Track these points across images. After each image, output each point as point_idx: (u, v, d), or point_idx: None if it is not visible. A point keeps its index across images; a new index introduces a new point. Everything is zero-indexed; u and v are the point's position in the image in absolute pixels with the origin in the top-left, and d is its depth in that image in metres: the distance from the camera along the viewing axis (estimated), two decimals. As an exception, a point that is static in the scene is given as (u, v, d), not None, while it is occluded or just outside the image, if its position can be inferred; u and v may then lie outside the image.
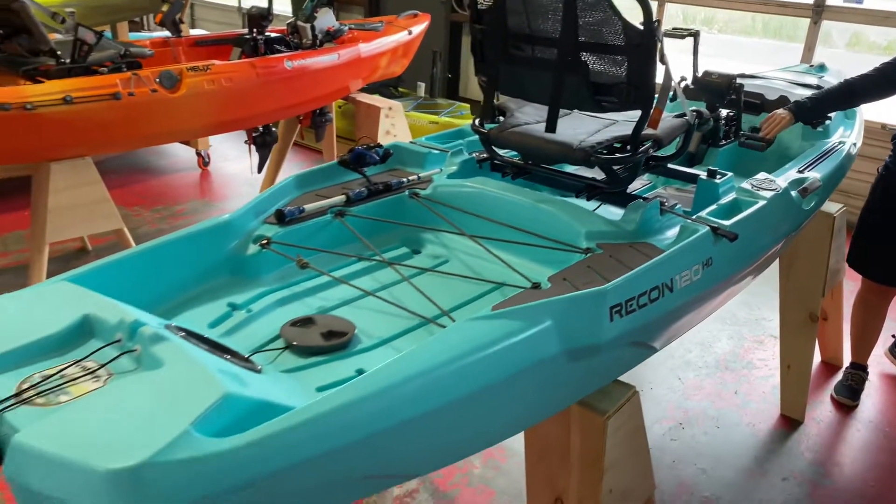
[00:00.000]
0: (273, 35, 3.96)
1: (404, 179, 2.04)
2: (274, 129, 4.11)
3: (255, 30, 3.90)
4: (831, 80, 3.27)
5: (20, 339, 1.18)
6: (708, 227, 1.68)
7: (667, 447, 2.76)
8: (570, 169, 2.19)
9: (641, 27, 1.65)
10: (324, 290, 1.66)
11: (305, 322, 1.50)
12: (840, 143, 2.64)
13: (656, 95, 1.77)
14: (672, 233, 1.77)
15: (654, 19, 1.64)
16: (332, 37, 4.07)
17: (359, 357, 1.44)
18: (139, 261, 1.50)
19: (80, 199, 3.03)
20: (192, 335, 1.24)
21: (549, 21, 1.76)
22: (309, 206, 1.81)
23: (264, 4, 3.93)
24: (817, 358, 3.34)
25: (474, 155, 2.15)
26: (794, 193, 2.07)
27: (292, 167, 5.23)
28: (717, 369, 3.27)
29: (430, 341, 1.21)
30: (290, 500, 1.05)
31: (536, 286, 1.50)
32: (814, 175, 2.23)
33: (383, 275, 1.74)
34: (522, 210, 1.84)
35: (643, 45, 1.67)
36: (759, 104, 2.89)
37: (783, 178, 2.11)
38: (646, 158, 2.12)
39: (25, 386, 1.09)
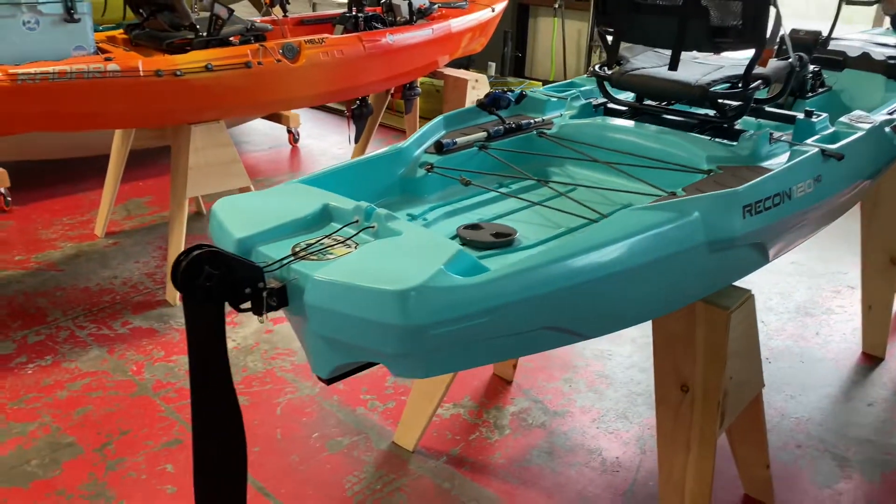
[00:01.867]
0: (370, 13, 4.27)
1: (532, 121, 2.32)
2: (370, 101, 4.43)
3: (354, 8, 4.22)
4: (911, 39, 3.43)
5: (279, 220, 1.50)
6: (818, 149, 1.91)
7: (756, 378, 2.99)
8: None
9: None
10: (483, 206, 1.95)
11: (474, 227, 1.79)
12: (924, 92, 2.83)
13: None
14: (781, 159, 2.01)
15: (767, -35, 1.88)
16: (423, 14, 4.36)
17: (523, 252, 1.72)
18: (341, 174, 1.81)
19: (215, 158, 3.39)
20: None
21: (672, -27, 2.01)
22: (460, 140, 2.10)
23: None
24: None
25: (591, 101, 2.42)
26: (887, 129, 2.28)
27: (376, 144, 5.56)
28: (798, 314, 3.47)
29: (601, 224, 1.48)
30: (504, 333, 1.34)
31: (673, 194, 1.76)
32: None
33: (532, 195, 2.02)
34: (645, 140, 2.10)
35: (758, -11, 1.91)
36: (842, 60, 3.08)
37: (877, 116, 2.32)
38: (746, 102, 2.36)
39: (298, 248, 1.40)
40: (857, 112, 2.29)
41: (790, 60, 2.23)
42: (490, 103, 2.25)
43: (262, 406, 2.77)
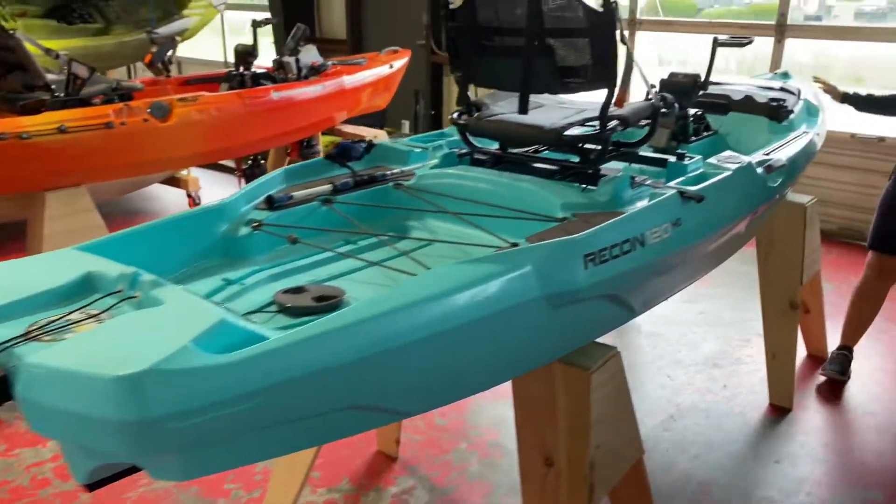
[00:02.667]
0: (259, 71, 4.12)
1: (388, 173, 2.14)
2: (263, 161, 4.23)
3: (241, 66, 4.06)
4: (796, 85, 3.43)
5: (27, 292, 1.25)
6: (675, 191, 1.77)
7: (660, 437, 2.80)
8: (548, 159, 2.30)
9: (601, 10, 1.78)
10: (318, 268, 1.73)
11: (297, 290, 1.57)
12: (803, 132, 2.77)
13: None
14: (643, 204, 1.87)
15: (612, 1, 1.77)
16: (316, 71, 4.24)
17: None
18: (137, 238, 1.58)
19: (75, 225, 3.12)
20: None
21: (517, 11, 1.89)
22: (297, 193, 1.90)
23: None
24: (802, 352, 3.42)
25: (455, 150, 2.26)
26: (759, 170, 2.18)
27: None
28: (706, 367, 3.32)
29: (410, 280, 1.28)
30: (285, 419, 1.11)
31: (515, 245, 1.59)
32: (777, 156, 2.35)
33: (372, 255, 1.82)
34: (501, 189, 1.93)
35: (603, 25, 1.79)
36: (726, 104, 3.03)
37: (749, 157, 2.22)
38: (617, 145, 2.24)
39: (33, 328, 1.16)
40: (728, 153, 2.19)
41: (652, 101, 2.11)
42: (339, 154, 2.07)
43: (109, 501, 2.44)
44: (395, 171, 2.18)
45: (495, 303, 1.35)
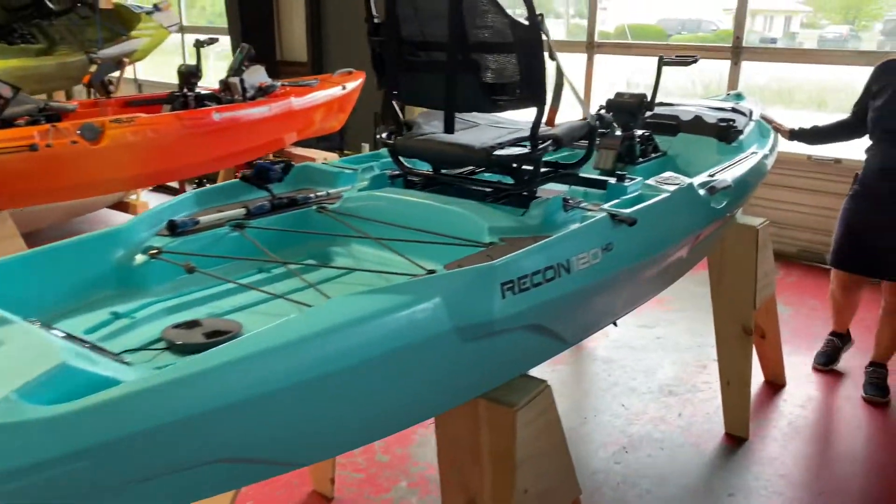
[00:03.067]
0: (204, 92, 3.99)
1: (311, 195, 2.02)
2: (206, 183, 4.08)
3: (185, 87, 3.93)
4: (749, 106, 3.39)
5: None
6: (606, 213, 1.67)
7: (611, 470, 2.67)
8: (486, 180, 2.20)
9: (526, 23, 1.69)
10: (217, 300, 1.60)
11: (190, 325, 1.43)
12: (752, 153, 2.70)
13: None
14: (577, 227, 1.76)
15: (537, 13, 1.67)
16: (264, 92, 4.12)
17: None
18: (16, 267, 1.43)
19: (-5, 253, 2.94)
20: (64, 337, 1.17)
21: (440, 24, 1.79)
22: (205, 218, 1.77)
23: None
24: (760, 378, 3.33)
25: (387, 172, 2.14)
26: (701, 191, 2.09)
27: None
28: (661, 394, 3.22)
29: (297, 316, 1.16)
30: (136, 477, 0.97)
31: (432, 272, 1.47)
32: (722, 176, 2.26)
33: (284, 285, 1.69)
34: (428, 213, 1.82)
35: (529, 40, 1.70)
36: (675, 125, 2.96)
37: (690, 178, 2.14)
38: (556, 166, 2.14)
39: None
40: (668, 174, 2.10)
41: (587, 120, 2.02)
42: (255, 175, 1.94)
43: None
44: (319, 193, 2.06)
45: (397, 338, 1.22)
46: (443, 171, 2.10)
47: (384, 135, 2.04)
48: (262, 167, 1.91)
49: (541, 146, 1.84)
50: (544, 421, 1.63)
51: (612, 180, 2.11)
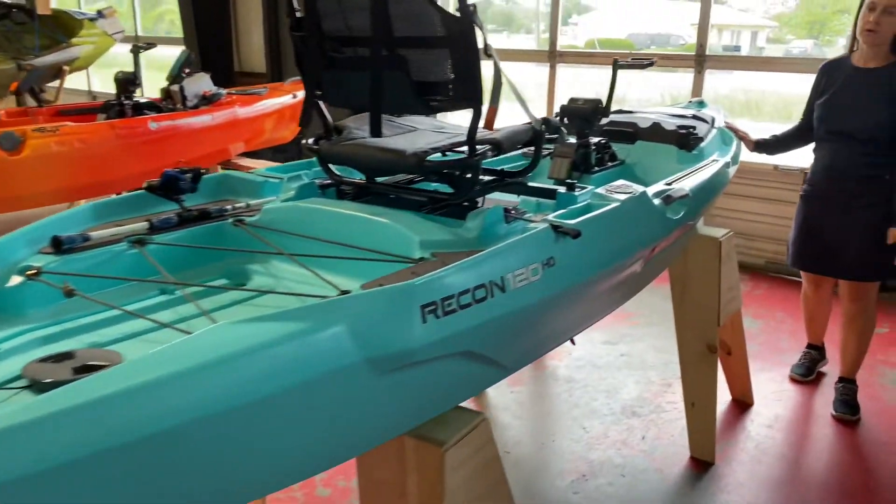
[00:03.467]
0: (144, 101, 3.78)
1: (228, 207, 1.82)
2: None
3: (122, 95, 3.71)
4: (711, 113, 3.26)
5: None
6: (547, 225, 1.50)
7: (569, 501, 2.49)
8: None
9: (458, 14, 1.52)
10: (103, 327, 1.39)
11: (61, 357, 1.23)
12: (713, 161, 2.56)
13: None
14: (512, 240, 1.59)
15: (470, 3, 1.50)
16: (208, 100, 3.91)
17: None
18: None
19: None
20: None
21: (364, 17, 1.62)
22: (98, 234, 1.56)
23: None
24: (727, 397, 3.18)
25: (316, 181, 1.96)
26: (656, 201, 1.94)
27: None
28: (624, 416, 3.05)
29: (162, 349, 0.96)
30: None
31: (346, 293, 1.28)
32: (679, 185, 2.11)
33: (185, 309, 1.49)
34: (353, 225, 1.63)
35: (461, 34, 1.53)
36: (633, 133, 2.82)
37: (644, 187, 1.98)
38: (501, 175, 1.97)
39: None
40: (620, 182, 1.94)
41: (531, 124, 1.85)
42: (162, 185, 1.74)
43: None
44: (238, 205, 1.86)
45: (290, 373, 1.03)
46: (378, 179, 1.93)
47: (310, 140, 1.86)
48: (169, 176, 1.71)
49: (479, 151, 1.66)
50: (481, 460, 1.45)
51: (563, 190, 1.95)
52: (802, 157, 4.62)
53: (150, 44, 3.85)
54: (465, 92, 1.59)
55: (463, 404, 1.49)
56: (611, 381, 3.35)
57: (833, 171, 2.95)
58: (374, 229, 1.59)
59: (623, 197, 1.77)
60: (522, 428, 2.95)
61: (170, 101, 3.82)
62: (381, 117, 1.68)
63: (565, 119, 2.65)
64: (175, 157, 3.62)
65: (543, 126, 1.86)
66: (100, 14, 4.83)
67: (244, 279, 1.69)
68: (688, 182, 2.19)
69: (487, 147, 1.68)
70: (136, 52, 3.64)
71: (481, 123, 1.64)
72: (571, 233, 1.49)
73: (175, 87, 3.68)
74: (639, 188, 1.87)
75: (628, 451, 2.80)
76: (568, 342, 2.98)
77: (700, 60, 4.80)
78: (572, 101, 2.59)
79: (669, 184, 2.15)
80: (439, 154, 1.74)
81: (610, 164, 2.64)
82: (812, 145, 3.12)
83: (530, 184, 2.04)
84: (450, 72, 1.58)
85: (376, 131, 1.68)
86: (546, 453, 2.77)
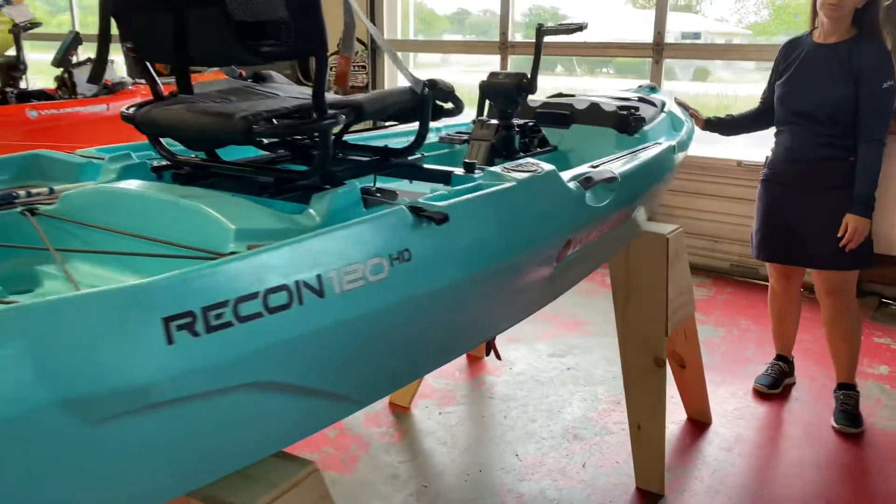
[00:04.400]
0: (32, 89, 3.36)
1: (21, 192, 1.42)
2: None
3: (9, 83, 3.29)
4: (661, 98, 2.92)
5: None
6: (403, 207, 1.12)
7: (489, 547, 2.11)
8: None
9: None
10: None
11: None
12: (655, 143, 2.21)
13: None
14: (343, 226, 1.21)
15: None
16: (111, 90, 3.50)
17: None
18: None
19: None
20: None
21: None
22: None
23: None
24: (682, 415, 2.82)
25: (151, 162, 1.56)
26: (571, 184, 1.56)
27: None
28: (565, 439, 2.67)
29: None
30: None
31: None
32: (605, 168, 1.75)
33: None
34: (161, 212, 1.24)
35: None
36: (568, 115, 2.46)
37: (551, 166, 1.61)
38: (384, 153, 1.60)
39: None
40: (525, 160, 1.56)
41: (409, 87, 1.47)
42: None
43: None
44: (39, 190, 1.46)
45: None
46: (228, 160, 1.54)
47: (130, 109, 1.46)
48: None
49: (330, 115, 1.28)
50: (307, 526, 1.05)
51: (460, 171, 1.57)
52: (766, 151, 4.31)
53: (34, 23, 3.44)
54: (303, 35, 1.21)
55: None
56: (553, 398, 2.97)
57: (793, 152, 2.68)
58: (182, 217, 1.20)
59: (521, 176, 1.39)
60: (447, 456, 2.56)
61: (65, 88, 3.40)
62: (188, 69, 1.29)
63: (484, 98, 2.29)
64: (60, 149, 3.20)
65: (427, 90, 1.48)
66: (5, 0, 4.40)
67: (34, 284, 1.29)
68: (617, 164, 1.82)
69: (342, 110, 1.30)
70: (16, 32, 3.22)
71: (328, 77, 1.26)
72: (436, 217, 1.11)
73: (64, 73, 3.26)
74: (547, 166, 1.50)
75: (566, 481, 2.41)
76: (493, 357, 2.62)
77: (658, 49, 4.47)
78: (493, 75, 2.22)
79: (596, 166, 1.79)
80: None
81: (538, 149, 2.28)
82: (773, 129, 2.81)
83: (427, 166, 1.66)
84: (281, 9, 1.20)
85: (184, 86, 1.29)
86: (469, 488, 2.38)
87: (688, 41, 4.88)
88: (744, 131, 2.99)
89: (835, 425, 2.74)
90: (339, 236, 1.00)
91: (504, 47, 5.04)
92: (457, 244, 1.16)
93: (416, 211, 1.12)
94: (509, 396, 2.99)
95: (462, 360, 3.30)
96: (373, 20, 5.61)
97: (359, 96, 1.37)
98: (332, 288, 0.97)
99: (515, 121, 2.19)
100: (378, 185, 1.56)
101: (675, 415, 2.80)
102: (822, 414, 2.83)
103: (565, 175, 1.61)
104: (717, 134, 3.01)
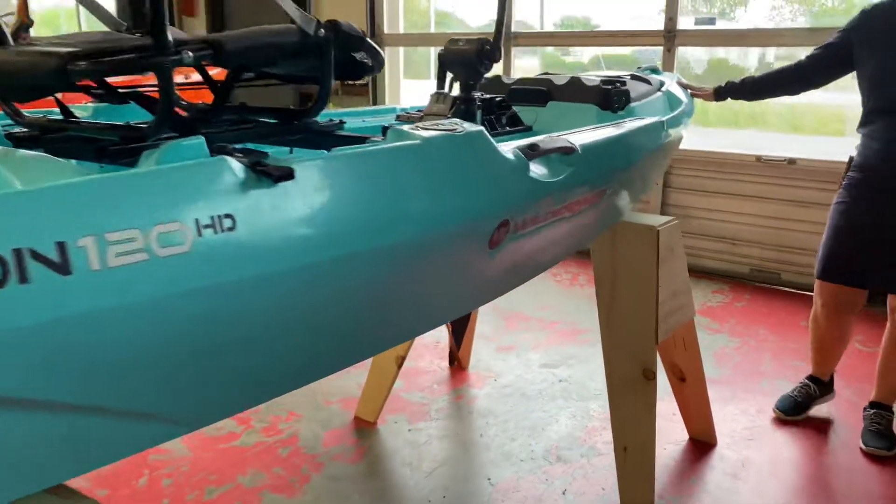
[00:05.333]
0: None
1: None
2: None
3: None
4: (662, 79, 2.61)
5: None
6: (227, 158, 0.83)
7: (439, 590, 1.80)
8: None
9: None
10: None
11: None
12: (639, 118, 1.89)
13: None
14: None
15: None
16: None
17: None
18: None
19: None
20: None
21: None
22: None
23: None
24: (683, 435, 2.48)
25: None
26: (509, 152, 1.26)
27: None
28: (545, 461, 2.34)
29: None
30: None
31: None
32: (560, 137, 1.44)
33: None
34: None
35: None
36: (545, 91, 2.16)
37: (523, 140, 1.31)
38: (288, 115, 1.32)
39: None
40: (451, 119, 1.27)
41: (298, 25, 1.18)
42: None
43: None
44: None
45: None
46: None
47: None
48: None
49: (173, 49, 0.99)
50: None
51: (378, 138, 1.28)
52: (788, 148, 3.96)
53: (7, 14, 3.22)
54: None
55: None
56: (539, 414, 2.65)
57: (892, 152, 2.25)
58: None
59: (430, 134, 1.09)
60: (409, 479, 2.26)
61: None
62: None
63: (444, 68, 2.00)
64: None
65: (323, 31, 1.19)
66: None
67: None
68: (579, 136, 1.52)
69: (190, 46, 1.02)
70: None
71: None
72: (273, 173, 0.82)
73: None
74: (473, 127, 1.20)
75: (541, 511, 2.09)
76: (478, 367, 2.32)
77: (670, 37, 4.13)
78: (452, 42, 1.93)
79: (556, 137, 1.48)
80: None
81: (509, 128, 1.98)
82: (860, 123, 2.37)
83: (342, 133, 1.37)
84: None
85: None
86: (427, 516, 2.07)
87: (702, 27, 4.53)
88: (767, 95, 2.63)
89: (863, 447, 2.38)
90: (109, 186, 0.71)
91: (507, 39, 4.75)
92: (313, 214, 0.87)
93: (254, 166, 0.83)
94: (489, 411, 2.68)
95: (441, 370, 3.00)
96: (373, 16, 5.36)
97: (222, 34, 1.09)
98: (85, 262, 0.68)
99: (478, 94, 1.90)
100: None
101: (676, 434, 2.47)
102: (849, 436, 2.47)
103: (508, 144, 1.31)
104: (740, 100, 2.64)
